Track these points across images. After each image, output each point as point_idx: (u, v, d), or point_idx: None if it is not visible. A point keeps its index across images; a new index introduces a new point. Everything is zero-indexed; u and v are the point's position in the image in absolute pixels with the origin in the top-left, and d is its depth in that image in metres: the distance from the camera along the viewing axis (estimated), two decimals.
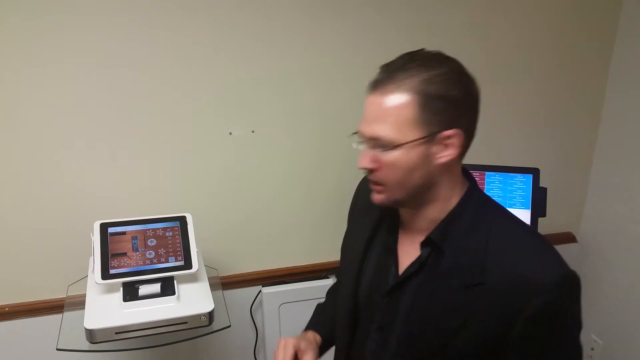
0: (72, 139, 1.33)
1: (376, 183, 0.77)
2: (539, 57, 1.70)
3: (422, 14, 1.53)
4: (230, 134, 1.46)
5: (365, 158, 0.76)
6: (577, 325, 0.74)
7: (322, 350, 0.97)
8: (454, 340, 0.74)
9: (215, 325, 1.17)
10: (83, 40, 1.27)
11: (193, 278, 1.23)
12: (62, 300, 1.33)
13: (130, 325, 1.08)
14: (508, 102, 1.72)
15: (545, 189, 1.45)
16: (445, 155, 0.74)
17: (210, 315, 1.15)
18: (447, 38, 1.58)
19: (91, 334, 1.06)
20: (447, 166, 0.76)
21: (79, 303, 1.19)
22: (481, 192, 0.83)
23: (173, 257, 1.19)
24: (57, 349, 1.11)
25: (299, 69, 1.45)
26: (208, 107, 1.42)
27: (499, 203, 0.83)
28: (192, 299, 1.17)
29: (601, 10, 1.72)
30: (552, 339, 0.72)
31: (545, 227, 1.67)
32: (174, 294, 1.15)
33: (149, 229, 1.21)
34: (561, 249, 2.15)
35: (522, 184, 1.45)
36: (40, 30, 1.23)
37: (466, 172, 0.84)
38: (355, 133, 0.78)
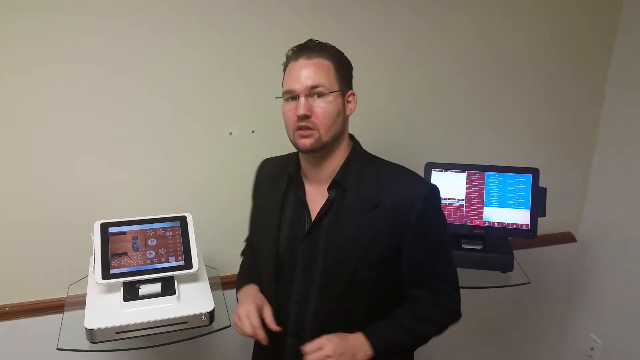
0: (73, 139, 1.33)
1: (308, 128, 0.96)
2: (539, 57, 1.70)
3: (422, 14, 1.53)
4: (231, 134, 1.46)
5: (305, 106, 0.95)
6: (444, 220, 1.05)
7: None
8: (369, 251, 0.97)
9: (216, 325, 1.17)
10: (84, 41, 1.27)
11: (193, 278, 1.23)
12: (62, 300, 1.33)
13: (130, 325, 1.08)
14: (508, 102, 1.73)
15: (545, 189, 1.45)
16: (350, 108, 1.02)
17: (211, 315, 1.15)
18: (447, 38, 1.58)
19: (91, 334, 1.06)
20: (347, 120, 1.03)
21: (79, 303, 1.19)
22: (360, 148, 1.07)
23: (173, 257, 1.19)
24: (58, 349, 1.11)
25: None
26: (208, 107, 1.42)
27: (379, 157, 1.09)
28: (193, 298, 1.17)
29: (601, 10, 1.73)
30: (433, 229, 1.01)
31: (544, 227, 1.67)
32: (174, 293, 1.15)
33: (149, 229, 1.21)
34: (561, 248, 2.16)
35: (521, 184, 1.45)
36: (42, 32, 1.23)
37: (350, 134, 1.08)
38: (280, 97, 1.01)
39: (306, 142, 0.97)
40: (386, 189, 0.99)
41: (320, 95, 0.95)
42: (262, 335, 0.99)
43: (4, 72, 1.24)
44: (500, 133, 1.75)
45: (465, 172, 1.47)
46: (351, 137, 1.07)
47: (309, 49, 0.98)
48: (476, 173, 1.47)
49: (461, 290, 1.12)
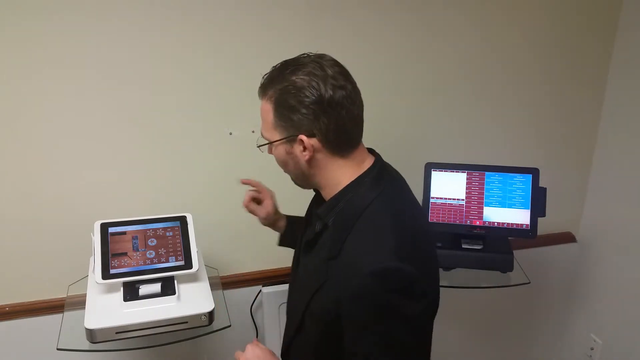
0: (73, 139, 1.33)
1: None
2: (539, 57, 1.70)
3: (422, 14, 1.53)
4: (231, 134, 1.46)
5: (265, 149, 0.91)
6: (395, 314, 0.78)
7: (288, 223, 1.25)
8: (314, 299, 0.86)
9: (216, 325, 1.18)
10: (84, 42, 1.27)
11: (193, 278, 1.23)
12: (62, 300, 1.33)
13: (130, 325, 1.08)
14: (508, 102, 1.73)
15: (545, 189, 1.45)
16: (304, 155, 0.85)
17: (211, 315, 1.15)
18: (448, 38, 1.58)
19: (91, 334, 1.06)
20: (314, 162, 0.86)
21: (79, 303, 1.18)
22: (376, 176, 0.88)
23: (173, 257, 1.19)
24: (58, 349, 1.11)
25: None
26: (208, 107, 1.42)
27: (398, 193, 0.92)
28: (193, 298, 1.17)
29: (601, 10, 1.72)
30: (368, 321, 0.78)
31: (545, 227, 1.67)
32: (174, 293, 1.15)
33: (149, 229, 1.21)
34: (561, 248, 2.15)
35: (521, 184, 1.45)
36: (43, 35, 1.23)
37: (372, 154, 0.94)
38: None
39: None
40: (350, 242, 0.82)
41: (264, 144, 0.90)
42: None
43: (5, 74, 1.24)
44: (500, 133, 1.75)
45: (465, 172, 1.47)
46: (372, 154, 0.94)
47: (263, 85, 0.87)
48: (476, 173, 1.47)
49: (461, 289, 1.11)
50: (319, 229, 0.89)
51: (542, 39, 1.69)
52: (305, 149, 0.84)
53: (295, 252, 1.09)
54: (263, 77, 0.88)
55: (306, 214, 1.08)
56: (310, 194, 1.05)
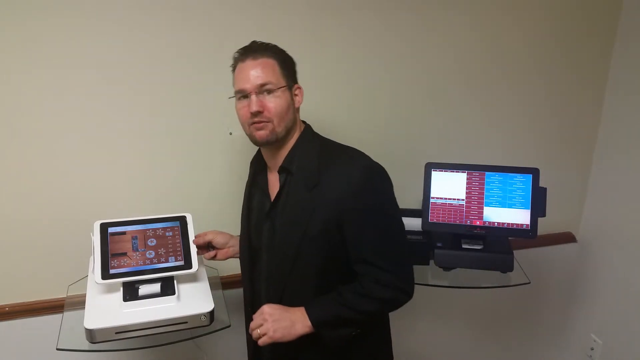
0: (73, 139, 1.33)
1: (262, 122, 1.04)
2: (539, 58, 1.70)
3: (422, 14, 1.53)
4: (231, 134, 1.46)
5: (257, 103, 1.03)
6: (388, 200, 1.08)
7: None
8: (309, 227, 1.04)
9: (216, 325, 1.18)
10: (85, 43, 1.27)
11: (193, 278, 1.23)
12: (62, 300, 1.33)
13: (130, 325, 1.08)
14: (508, 102, 1.73)
15: (544, 189, 1.45)
16: (297, 100, 1.10)
17: (211, 315, 1.15)
18: (448, 39, 1.58)
19: (91, 334, 1.06)
20: (297, 112, 1.11)
21: (79, 303, 1.19)
22: (312, 130, 1.15)
23: (173, 257, 1.19)
24: (57, 349, 1.11)
25: (298, 69, 1.45)
26: (208, 107, 1.42)
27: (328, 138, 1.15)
28: (192, 298, 1.17)
29: (601, 10, 1.73)
30: (370, 207, 1.04)
31: (544, 227, 1.67)
32: (174, 293, 1.15)
33: (149, 229, 1.21)
34: (561, 248, 2.16)
35: (521, 184, 1.45)
36: (44, 34, 1.23)
37: (304, 122, 1.16)
38: (234, 96, 1.08)
39: (262, 134, 1.05)
40: (325, 168, 1.05)
41: (269, 91, 1.04)
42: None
43: (6, 73, 1.24)
44: (501, 133, 1.75)
45: (465, 172, 1.47)
46: (303, 123, 1.15)
47: (254, 50, 1.06)
48: (476, 173, 1.47)
49: (461, 289, 1.12)
50: (283, 180, 1.09)
51: (543, 39, 1.69)
52: (296, 96, 1.10)
53: (247, 222, 1.20)
54: (252, 44, 1.08)
55: (250, 190, 1.21)
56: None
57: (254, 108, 1.02)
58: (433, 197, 1.47)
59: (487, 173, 1.46)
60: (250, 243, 1.19)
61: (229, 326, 1.21)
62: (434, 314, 1.86)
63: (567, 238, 1.98)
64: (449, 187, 1.48)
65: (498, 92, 1.70)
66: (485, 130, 1.73)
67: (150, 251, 1.18)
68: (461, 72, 1.63)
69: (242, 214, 1.23)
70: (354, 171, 1.03)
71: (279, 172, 1.11)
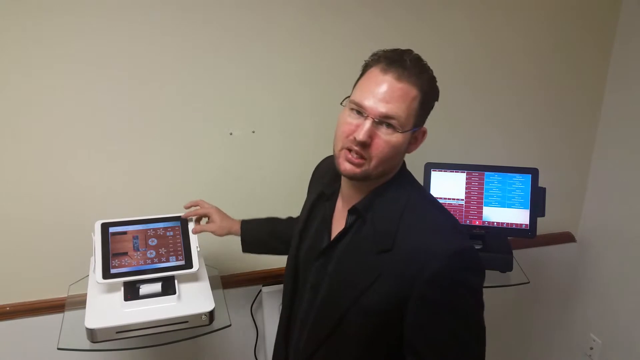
0: (73, 139, 1.33)
1: (362, 157, 0.84)
2: (539, 58, 1.71)
3: (422, 14, 1.53)
4: (231, 134, 1.46)
5: (367, 133, 0.82)
6: (472, 295, 0.84)
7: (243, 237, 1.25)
8: (366, 295, 0.85)
9: (216, 325, 1.18)
10: (84, 42, 1.27)
11: (194, 277, 1.23)
12: (63, 299, 1.33)
13: (131, 324, 1.08)
14: (507, 102, 1.73)
15: (544, 189, 1.46)
16: (414, 146, 0.90)
17: (211, 314, 1.15)
18: (448, 38, 1.58)
19: (92, 334, 1.06)
20: (404, 156, 0.91)
21: (79, 302, 1.19)
22: (410, 174, 0.95)
23: (174, 257, 1.20)
24: (58, 349, 1.11)
25: (298, 69, 1.46)
26: (209, 107, 1.42)
27: (424, 188, 0.97)
28: (193, 298, 1.17)
29: (600, 10, 1.73)
30: (445, 303, 0.82)
31: (544, 227, 1.67)
32: (174, 293, 1.15)
33: (149, 229, 1.22)
34: (560, 248, 2.15)
35: (521, 184, 1.45)
36: (43, 33, 1.23)
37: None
38: (346, 99, 0.89)
39: (349, 170, 0.86)
40: (406, 233, 0.84)
41: (389, 126, 0.83)
42: None
43: (5, 73, 1.24)
44: (500, 133, 1.75)
45: (464, 172, 1.47)
46: (403, 165, 0.95)
47: (403, 66, 0.83)
48: (476, 173, 1.47)
49: None
50: (350, 223, 0.90)
51: (542, 39, 1.69)
52: (416, 139, 0.90)
53: (294, 258, 1.03)
54: (404, 56, 0.85)
55: (308, 215, 1.03)
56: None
57: (361, 137, 0.82)
58: None
59: (486, 173, 1.47)
60: (296, 267, 1.02)
61: (229, 326, 1.21)
62: None
63: (566, 238, 1.98)
64: (448, 187, 1.48)
65: (497, 92, 1.70)
66: (484, 130, 1.73)
67: (151, 251, 1.19)
68: (460, 72, 1.64)
69: (298, 221, 1.07)
70: (438, 251, 0.81)
71: (350, 212, 0.91)
